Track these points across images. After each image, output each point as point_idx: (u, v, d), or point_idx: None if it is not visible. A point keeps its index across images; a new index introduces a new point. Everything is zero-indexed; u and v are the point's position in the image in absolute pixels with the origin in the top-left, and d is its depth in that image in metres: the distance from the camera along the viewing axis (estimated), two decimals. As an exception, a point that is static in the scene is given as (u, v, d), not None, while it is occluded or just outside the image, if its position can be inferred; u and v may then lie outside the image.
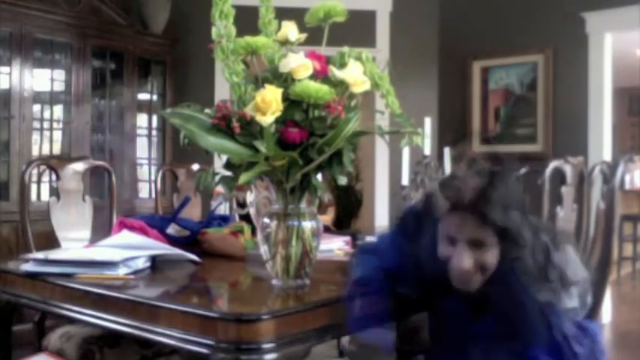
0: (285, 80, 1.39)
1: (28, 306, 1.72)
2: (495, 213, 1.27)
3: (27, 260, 1.68)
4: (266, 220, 1.49)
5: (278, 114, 1.32)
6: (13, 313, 1.79)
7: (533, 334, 1.39)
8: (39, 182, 3.94)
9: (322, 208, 3.08)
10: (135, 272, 1.63)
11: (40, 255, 1.71)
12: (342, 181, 1.46)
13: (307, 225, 1.47)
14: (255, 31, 1.45)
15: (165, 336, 1.30)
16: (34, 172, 2.47)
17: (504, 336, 1.43)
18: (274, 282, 1.49)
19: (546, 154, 4.51)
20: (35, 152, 3.98)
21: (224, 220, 2.26)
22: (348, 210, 3.03)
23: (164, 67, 4.75)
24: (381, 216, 4.78)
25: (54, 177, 2.48)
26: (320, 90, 1.34)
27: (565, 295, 1.49)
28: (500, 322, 1.45)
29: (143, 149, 4.73)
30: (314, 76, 1.40)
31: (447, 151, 3.24)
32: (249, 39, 1.38)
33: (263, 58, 1.45)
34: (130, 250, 1.71)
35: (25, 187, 2.33)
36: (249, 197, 2.36)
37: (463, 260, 1.30)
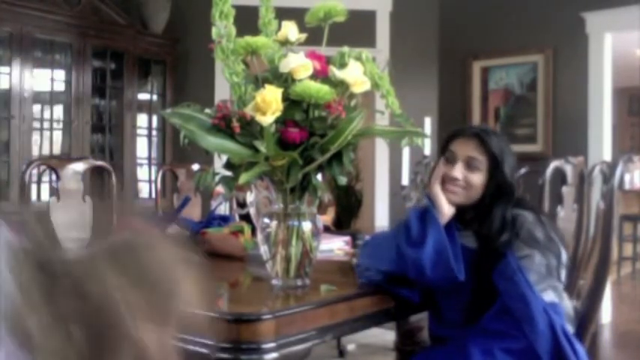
0: (285, 80, 1.39)
1: (28, 306, 1.72)
2: (492, 141, 1.58)
3: (27, 260, 1.68)
4: (266, 220, 1.49)
5: (278, 114, 1.32)
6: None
7: (535, 332, 1.39)
8: (39, 182, 3.93)
9: (322, 208, 3.07)
10: (135, 272, 1.63)
11: (40, 255, 1.70)
12: (342, 181, 1.46)
13: (307, 225, 1.47)
14: (255, 31, 1.45)
15: (166, 336, 1.29)
16: (34, 172, 2.47)
17: (506, 333, 1.43)
18: (274, 282, 1.49)
19: (546, 154, 4.50)
20: (35, 152, 3.98)
21: (224, 220, 2.26)
22: (348, 210, 3.02)
23: (164, 67, 4.75)
24: (381, 216, 4.78)
25: (54, 177, 2.48)
26: (321, 90, 1.34)
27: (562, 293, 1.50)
28: (504, 319, 1.44)
29: (143, 149, 4.73)
30: (314, 76, 1.40)
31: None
32: (249, 39, 1.38)
33: (263, 58, 1.45)
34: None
35: (25, 187, 2.33)
36: (249, 197, 2.36)
37: (456, 170, 1.58)
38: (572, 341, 1.43)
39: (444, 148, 1.66)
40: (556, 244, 1.52)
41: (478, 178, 1.58)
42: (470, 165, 1.59)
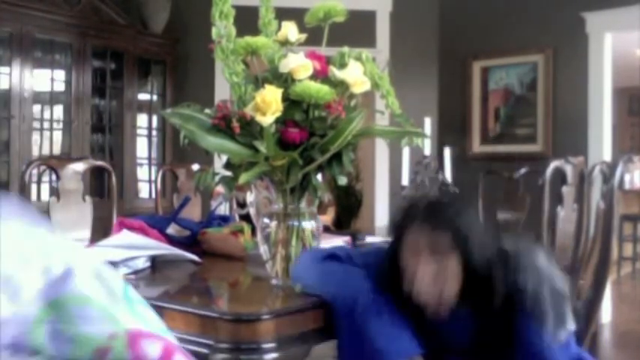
0: (285, 80, 1.39)
1: (28, 306, 1.72)
2: (447, 216, 1.29)
3: (27, 260, 1.68)
4: (266, 220, 1.49)
5: (278, 114, 1.32)
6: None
7: None
8: (39, 182, 3.93)
9: (322, 208, 3.07)
10: (135, 272, 1.63)
11: (40, 255, 1.71)
12: (342, 181, 1.46)
13: (307, 225, 1.47)
14: (255, 31, 1.45)
15: (166, 336, 1.29)
16: (34, 172, 2.47)
17: None
18: (274, 282, 1.49)
19: (546, 154, 4.51)
20: (35, 152, 3.97)
21: (224, 220, 2.26)
22: (348, 210, 3.02)
23: (164, 67, 4.75)
24: (381, 216, 4.78)
25: (54, 177, 2.48)
26: (321, 90, 1.34)
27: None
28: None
29: (143, 149, 4.73)
30: (314, 77, 1.40)
31: (447, 151, 3.24)
32: (249, 39, 1.38)
33: (263, 58, 1.45)
34: (129, 250, 1.71)
35: (25, 187, 2.33)
36: (249, 197, 2.35)
37: (427, 268, 1.25)
38: None
39: (396, 240, 1.34)
40: (559, 281, 1.30)
41: (453, 264, 1.27)
42: (435, 252, 1.27)
